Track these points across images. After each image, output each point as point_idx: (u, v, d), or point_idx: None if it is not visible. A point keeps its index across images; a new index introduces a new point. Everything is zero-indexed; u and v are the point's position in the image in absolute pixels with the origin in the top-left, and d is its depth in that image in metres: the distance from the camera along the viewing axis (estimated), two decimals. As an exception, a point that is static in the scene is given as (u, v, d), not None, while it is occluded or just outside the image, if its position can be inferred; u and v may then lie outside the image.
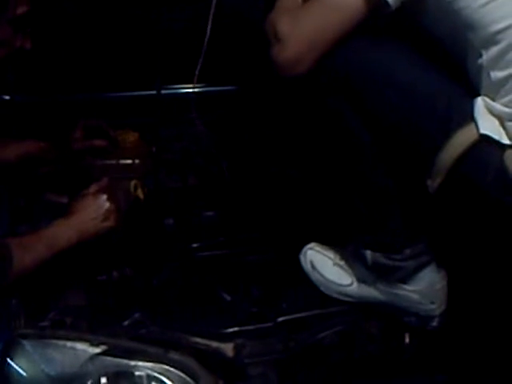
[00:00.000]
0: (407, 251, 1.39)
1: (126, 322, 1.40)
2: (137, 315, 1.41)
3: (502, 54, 1.20)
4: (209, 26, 1.55)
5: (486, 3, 1.19)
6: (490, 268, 1.40)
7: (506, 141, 1.21)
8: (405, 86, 1.26)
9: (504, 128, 1.22)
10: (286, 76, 1.30)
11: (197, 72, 1.60)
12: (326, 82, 1.31)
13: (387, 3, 1.23)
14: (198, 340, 1.37)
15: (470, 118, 1.23)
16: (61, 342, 1.25)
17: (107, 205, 1.50)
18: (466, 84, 1.26)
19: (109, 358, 1.24)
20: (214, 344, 1.37)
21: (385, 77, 1.27)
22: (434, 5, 1.26)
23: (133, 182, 1.70)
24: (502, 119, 1.22)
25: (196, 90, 1.74)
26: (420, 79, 1.27)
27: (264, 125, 1.90)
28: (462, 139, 1.22)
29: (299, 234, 1.62)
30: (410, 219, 1.39)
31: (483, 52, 1.21)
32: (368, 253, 1.42)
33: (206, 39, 1.56)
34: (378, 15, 1.28)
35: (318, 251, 1.54)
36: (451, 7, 1.22)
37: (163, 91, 1.78)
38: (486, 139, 1.21)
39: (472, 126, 1.22)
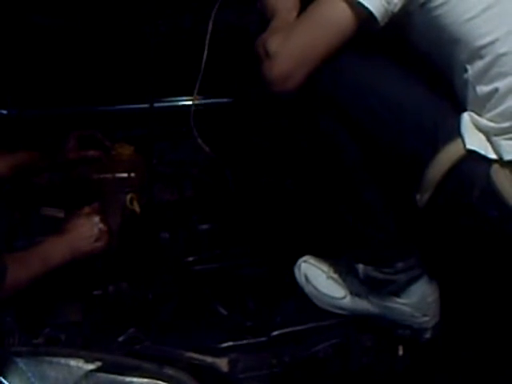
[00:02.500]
0: (399, 265, 1.40)
1: (120, 338, 1.40)
2: (132, 331, 1.41)
3: (486, 69, 1.21)
4: (207, 41, 1.55)
5: (471, 18, 1.20)
6: (481, 280, 1.41)
7: (492, 155, 1.21)
8: (392, 102, 1.27)
9: (490, 143, 1.22)
10: (276, 92, 1.31)
11: (197, 86, 1.60)
12: (314, 99, 1.33)
13: (375, 19, 1.24)
14: (193, 355, 1.37)
15: (456, 133, 1.23)
16: (55, 359, 1.25)
17: (100, 226, 1.52)
18: (453, 99, 1.27)
19: (103, 375, 1.23)
20: (209, 359, 1.38)
21: (372, 94, 1.28)
22: (420, 20, 1.27)
23: (129, 196, 1.69)
24: (487, 134, 1.23)
25: (195, 102, 1.74)
26: (407, 95, 1.27)
27: (258, 137, 1.90)
28: (449, 154, 1.22)
29: (294, 246, 1.63)
30: (401, 233, 1.39)
31: (468, 67, 1.22)
32: (360, 266, 1.43)
33: (205, 52, 1.56)
34: (367, 32, 1.28)
35: (311, 264, 1.54)
36: (437, 22, 1.24)
37: (156, 104, 1.79)
38: (472, 154, 1.21)
39: (459, 141, 1.23)
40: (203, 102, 1.86)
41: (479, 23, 1.20)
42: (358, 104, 1.29)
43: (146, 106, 1.75)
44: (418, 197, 1.26)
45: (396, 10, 1.25)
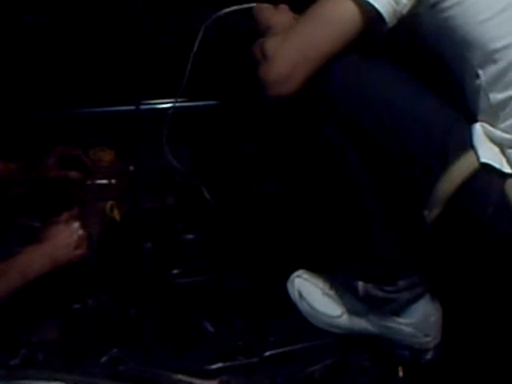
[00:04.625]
0: (401, 283, 1.33)
1: (102, 359, 1.32)
2: (114, 351, 1.33)
3: (500, 75, 1.15)
4: (196, 43, 1.47)
5: (485, 20, 1.14)
6: (486, 300, 1.34)
7: (507, 169, 1.15)
8: (400, 111, 1.20)
9: (505, 156, 1.16)
10: (274, 96, 1.23)
11: (180, 91, 1.52)
12: (316, 106, 1.25)
13: (383, 20, 1.17)
14: (180, 377, 1.29)
15: (468, 145, 1.16)
16: (33, 383, 1.17)
17: (80, 232, 1.45)
18: (464, 108, 1.20)
19: (85, 399, 1.17)
20: (198, 381, 1.29)
21: (379, 101, 1.20)
22: (430, 22, 1.20)
23: (109, 203, 1.62)
24: (502, 146, 1.16)
25: (177, 104, 1.66)
26: (416, 104, 1.20)
27: (247, 142, 1.82)
28: (461, 168, 1.15)
29: (287, 259, 1.55)
30: (403, 249, 1.32)
31: (480, 72, 1.16)
32: (359, 284, 1.36)
33: (192, 55, 1.48)
34: (373, 34, 1.21)
35: (306, 279, 1.47)
36: (448, 24, 1.17)
37: (142, 106, 1.71)
38: (486, 168, 1.14)
39: (471, 154, 1.16)
40: (188, 104, 1.78)
41: (494, 25, 1.14)
42: (364, 111, 1.21)
43: (130, 108, 1.69)
44: (425, 213, 1.19)
45: (405, 11, 1.18)
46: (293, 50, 1.22)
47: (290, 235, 1.62)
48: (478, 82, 1.16)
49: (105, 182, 1.69)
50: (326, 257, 1.49)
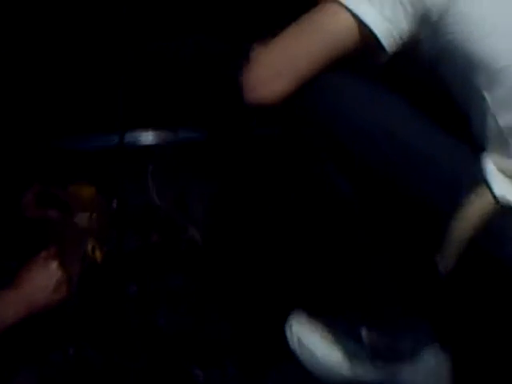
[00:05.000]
0: (407, 329, 1.25)
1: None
2: (97, 405, 1.24)
3: (508, 95, 1.08)
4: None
5: (488, 37, 1.08)
6: (498, 349, 1.25)
7: None
8: (403, 143, 1.12)
9: (522, 189, 1.08)
10: (253, 101, 1.16)
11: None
12: (306, 135, 1.17)
13: (380, 44, 1.11)
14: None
15: (481, 180, 1.09)
16: None
17: (59, 274, 1.39)
18: (471, 141, 1.13)
19: None
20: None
21: (379, 131, 1.13)
22: (432, 47, 1.14)
23: (90, 243, 1.53)
24: (516, 178, 1.09)
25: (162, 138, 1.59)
26: (421, 136, 1.13)
27: (236, 176, 1.75)
28: (476, 206, 1.07)
29: (282, 300, 1.46)
30: (410, 295, 1.23)
31: (486, 94, 1.09)
32: (363, 330, 1.27)
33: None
34: (373, 61, 1.16)
35: (304, 324, 1.37)
36: (450, 46, 1.11)
37: (125, 139, 1.63)
38: (502, 203, 1.07)
39: (485, 189, 1.08)
40: (174, 138, 1.71)
41: (498, 43, 1.08)
42: (361, 143, 1.13)
43: (112, 141, 1.62)
44: (438, 257, 1.10)
45: (405, 36, 1.12)
46: (276, 52, 1.17)
47: (285, 274, 1.53)
48: (484, 105, 1.10)
49: (85, 220, 1.61)
50: (326, 298, 1.40)
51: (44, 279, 1.36)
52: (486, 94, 1.09)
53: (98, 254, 1.54)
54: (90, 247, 1.53)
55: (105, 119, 1.65)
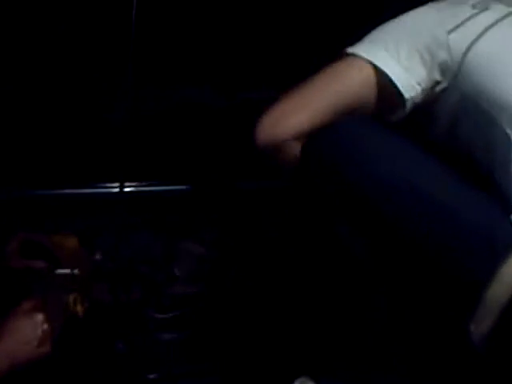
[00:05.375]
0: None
1: None
2: None
3: None
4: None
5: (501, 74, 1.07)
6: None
7: None
8: (430, 201, 1.04)
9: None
10: (261, 142, 1.12)
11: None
12: (320, 187, 1.11)
13: (399, 92, 1.10)
14: None
15: None
16: None
17: (44, 326, 1.30)
18: (497, 195, 1.07)
19: None
20: None
21: (403, 186, 1.05)
22: (450, 95, 1.13)
23: (72, 296, 1.46)
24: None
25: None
26: (449, 192, 1.06)
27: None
28: None
29: (281, 364, 1.38)
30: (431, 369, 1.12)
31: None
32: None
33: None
34: (391, 119, 1.15)
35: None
36: (472, 89, 1.10)
37: (108, 189, 1.58)
38: None
39: None
40: (158, 188, 1.67)
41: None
42: (383, 198, 1.06)
43: (96, 190, 1.57)
44: (472, 327, 1.00)
45: (424, 84, 1.12)
46: (293, 94, 1.14)
47: (284, 335, 1.45)
48: (510, 146, 1.06)
49: (67, 271, 1.54)
50: (332, 360, 1.30)
51: (29, 332, 1.27)
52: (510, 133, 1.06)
53: (79, 307, 1.47)
54: (71, 300, 1.46)
55: (88, 170, 1.61)
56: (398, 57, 1.12)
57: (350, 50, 1.17)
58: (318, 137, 1.11)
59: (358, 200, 1.08)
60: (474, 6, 1.15)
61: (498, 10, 1.14)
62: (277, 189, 1.59)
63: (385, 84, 1.12)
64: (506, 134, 1.07)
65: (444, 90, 1.13)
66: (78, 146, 1.67)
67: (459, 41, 1.11)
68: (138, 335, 1.49)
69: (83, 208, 1.65)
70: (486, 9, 1.14)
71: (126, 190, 1.68)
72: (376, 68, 1.12)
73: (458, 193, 1.07)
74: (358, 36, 1.18)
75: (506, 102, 1.06)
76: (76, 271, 1.54)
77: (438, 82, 1.13)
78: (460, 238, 1.02)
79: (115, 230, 1.66)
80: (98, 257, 1.59)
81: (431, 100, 1.15)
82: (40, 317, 1.29)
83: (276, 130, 1.11)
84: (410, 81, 1.11)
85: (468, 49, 1.10)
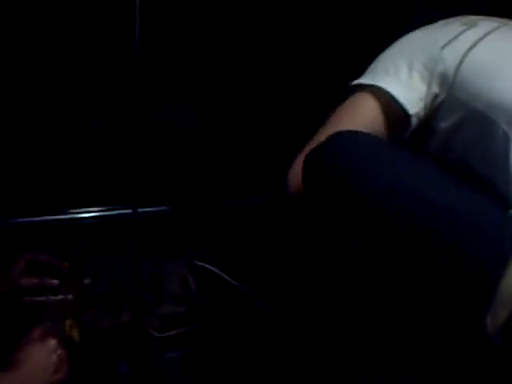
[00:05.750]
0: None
1: None
2: None
3: None
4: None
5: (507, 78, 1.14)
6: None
7: None
8: (438, 205, 1.08)
9: None
10: (294, 193, 1.19)
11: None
12: (324, 199, 1.15)
13: (404, 109, 1.17)
14: None
15: None
16: None
17: (59, 352, 1.27)
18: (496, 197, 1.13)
19: None
20: None
21: (410, 193, 1.09)
22: (448, 105, 1.19)
23: (68, 322, 1.45)
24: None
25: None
26: (454, 195, 1.10)
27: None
28: None
29: (285, 378, 1.38)
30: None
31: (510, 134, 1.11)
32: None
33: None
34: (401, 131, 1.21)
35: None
36: (470, 96, 1.16)
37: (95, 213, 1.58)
38: None
39: None
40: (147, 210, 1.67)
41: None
42: (391, 205, 1.09)
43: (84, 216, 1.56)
44: (488, 319, 1.01)
45: (424, 97, 1.19)
46: (313, 141, 1.20)
47: (290, 351, 1.45)
48: (508, 144, 1.11)
49: (61, 297, 1.52)
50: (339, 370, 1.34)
51: (44, 359, 1.24)
52: (510, 134, 1.11)
53: (75, 332, 1.46)
54: (67, 325, 1.45)
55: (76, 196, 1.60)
56: (399, 77, 1.19)
57: (354, 82, 1.24)
58: (319, 149, 1.16)
59: (363, 207, 1.12)
60: (463, 23, 1.24)
61: (486, 26, 1.23)
62: (262, 205, 1.65)
63: (390, 104, 1.19)
64: (505, 132, 1.12)
65: (442, 103, 1.20)
66: (65, 171, 1.66)
67: (453, 53, 1.19)
68: (139, 356, 1.48)
69: (65, 234, 1.62)
70: (475, 25, 1.23)
71: (108, 213, 1.70)
72: (380, 90, 1.19)
73: (462, 194, 1.11)
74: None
75: (502, 102, 1.13)
76: (70, 296, 1.53)
77: (436, 95, 1.20)
78: (470, 235, 1.05)
79: (100, 253, 1.66)
80: (87, 281, 1.58)
81: (430, 115, 1.21)
82: (53, 342, 1.27)
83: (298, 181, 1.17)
84: (413, 97, 1.19)
85: (462, 59, 1.17)
